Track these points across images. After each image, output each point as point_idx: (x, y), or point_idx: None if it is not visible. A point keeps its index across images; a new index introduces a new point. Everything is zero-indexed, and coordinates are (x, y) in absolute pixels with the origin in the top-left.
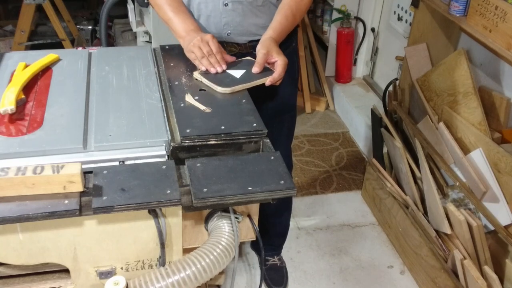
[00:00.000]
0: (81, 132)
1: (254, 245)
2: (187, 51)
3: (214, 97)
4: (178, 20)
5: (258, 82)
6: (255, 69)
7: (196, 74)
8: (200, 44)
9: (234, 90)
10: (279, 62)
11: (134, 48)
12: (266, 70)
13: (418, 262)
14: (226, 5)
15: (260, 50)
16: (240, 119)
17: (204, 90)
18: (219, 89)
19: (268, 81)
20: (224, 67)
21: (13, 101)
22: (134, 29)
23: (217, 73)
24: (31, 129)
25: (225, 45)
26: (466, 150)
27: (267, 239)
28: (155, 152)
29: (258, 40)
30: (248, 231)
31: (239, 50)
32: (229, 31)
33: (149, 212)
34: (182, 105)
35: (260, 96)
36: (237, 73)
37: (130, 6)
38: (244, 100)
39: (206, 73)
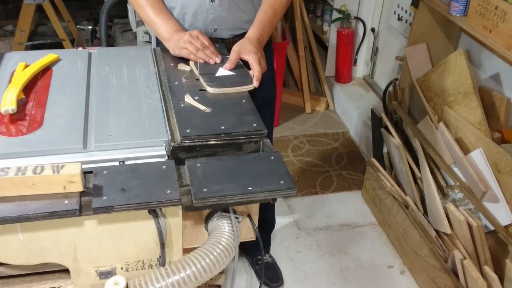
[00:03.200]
0: (81, 132)
1: (245, 247)
2: (178, 48)
3: (214, 97)
4: (161, 22)
5: (246, 88)
6: (227, 66)
7: (191, 64)
8: (191, 39)
9: (224, 91)
10: (251, 61)
11: (134, 48)
12: (243, 71)
13: (418, 262)
14: (212, 1)
15: (233, 48)
16: (240, 119)
17: (204, 90)
18: (210, 89)
19: (255, 82)
20: (220, 57)
21: (14, 101)
22: (134, 29)
23: (215, 63)
24: (31, 129)
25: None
26: (466, 150)
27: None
28: (155, 152)
29: (241, 35)
30: (248, 231)
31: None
32: (215, 27)
33: (149, 212)
34: (182, 105)
35: None
36: (226, 73)
37: (130, 6)
38: (244, 100)
39: (200, 67)
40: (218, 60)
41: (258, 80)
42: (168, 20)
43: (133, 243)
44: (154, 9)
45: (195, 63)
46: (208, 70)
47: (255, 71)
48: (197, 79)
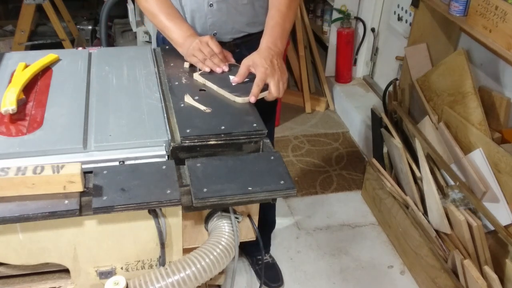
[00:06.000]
0: (81, 132)
1: (245, 247)
2: (188, 56)
3: (214, 97)
4: (173, 27)
5: (263, 94)
6: (235, 79)
7: (196, 76)
8: (200, 46)
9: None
10: (257, 73)
11: (134, 48)
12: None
13: (418, 262)
14: (211, 5)
15: (243, 61)
16: (240, 119)
17: (204, 90)
18: (238, 99)
19: (251, 98)
20: (228, 66)
21: (14, 101)
22: (134, 29)
23: (223, 72)
24: (31, 129)
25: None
26: (466, 150)
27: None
28: (155, 152)
29: (241, 37)
30: (248, 231)
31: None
32: (215, 31)
33: (149, 212)
34: (182, 105)
35: None
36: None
37: (130, 6)
38: None
39: (209, 76)
40: (225, 68)
41: (253, 95)
42: (181, 25)
43: (133, 243)
44: (166, 15)
45: (202, 75)
46: (222, 80)
47: (254, 87)
48: (202, 89)
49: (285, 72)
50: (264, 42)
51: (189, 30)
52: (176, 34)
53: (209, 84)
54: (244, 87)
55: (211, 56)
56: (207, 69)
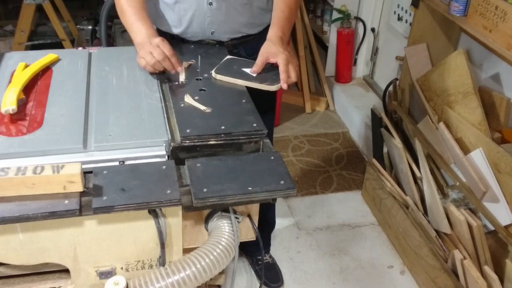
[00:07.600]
0: (81, 132)
1: (245, 247)
2: (138, 58)
3: (214, 97)
4: (135, 27)
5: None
6: (254, 69)
7: (215, 75)
8: (151, 49)
9: (279, 87)
10: (280, 62)
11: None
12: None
13: (418, 262)
14: (210, 4)
15: (260, 52)
16: (240, 119)
17: (204, 90)
18: (273, 87)
19: (283, 85)
20: (182, 69)
21: (15, 101)
22: None
23: (175, 73)
24: (31, 129)
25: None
26: (466, 150)
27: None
28: (155, 152)
29: (239, 38)
30: (248, 231)
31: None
32: (213, 30)
33: (149, 212)
34: (182, 105)
35: None
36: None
37: None
38: (244, 100)
39: (227, 73)
40: (179, 69)
41: (286, 82)
42: (142, 26)
43: (133, 243)
44: (132, 15)
45: (220, 73)
46: (242, 74)
47: (282, 74)
48: (202, 89)
49: (297, 59)
50: (274, 31)
51: (149, 29)
52: (134, 33)
53: (233, 80)
54: (266, 76)
55: (162, 60)
56: (155, 71)
